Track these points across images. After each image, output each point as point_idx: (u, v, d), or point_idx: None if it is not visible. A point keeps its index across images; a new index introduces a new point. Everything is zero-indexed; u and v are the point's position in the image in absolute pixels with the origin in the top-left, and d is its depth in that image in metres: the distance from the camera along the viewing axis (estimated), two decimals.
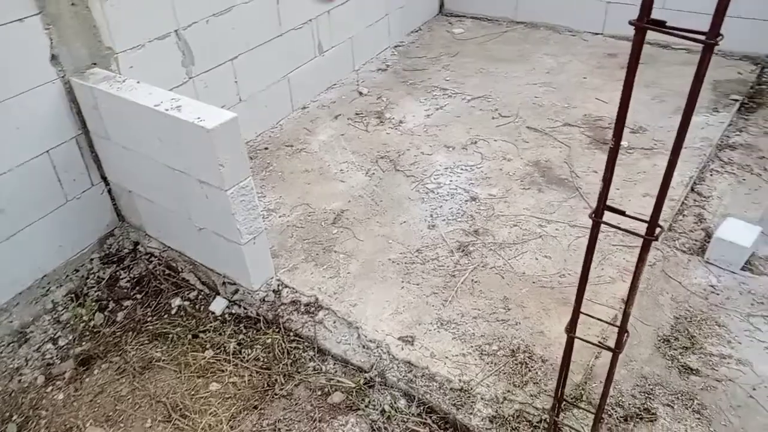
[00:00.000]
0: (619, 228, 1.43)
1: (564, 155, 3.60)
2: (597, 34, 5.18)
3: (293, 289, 2.75)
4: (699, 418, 2.10)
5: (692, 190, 3.29)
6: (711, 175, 3.40)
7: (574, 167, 3.48)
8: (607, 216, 1.37)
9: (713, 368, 2.28)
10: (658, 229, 1.29)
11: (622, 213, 1.33)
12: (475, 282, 2.74)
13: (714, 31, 0.99)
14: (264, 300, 2.71)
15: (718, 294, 2.60)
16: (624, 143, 3.63)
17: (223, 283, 2.80)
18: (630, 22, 1.09)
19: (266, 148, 3.86)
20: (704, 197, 3.23)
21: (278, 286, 2.75)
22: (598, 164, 3.49)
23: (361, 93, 4.45)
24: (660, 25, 1.06)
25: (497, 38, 5.27)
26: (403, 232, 3.08)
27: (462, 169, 3.53)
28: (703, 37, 1.01)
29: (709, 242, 2.80)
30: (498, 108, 4.16)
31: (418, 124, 4.02)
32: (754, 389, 2.19)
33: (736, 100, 4.08)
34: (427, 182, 3.44)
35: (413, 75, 4.70)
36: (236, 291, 2.77)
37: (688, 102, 1.08)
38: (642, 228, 1.31)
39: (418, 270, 2.82)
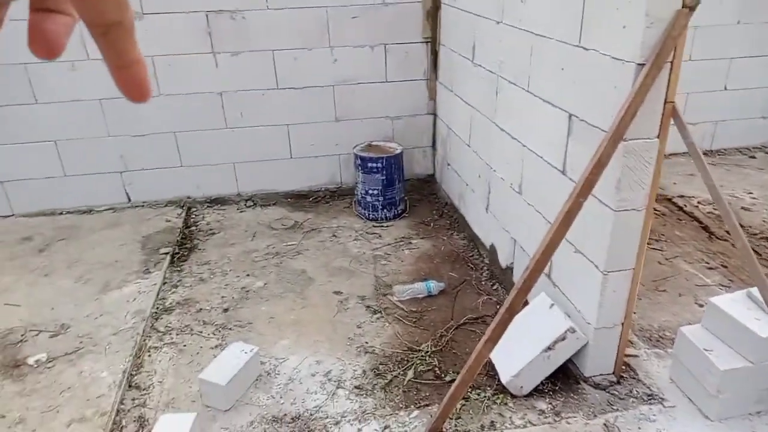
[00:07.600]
0: None
1: None
2: (6, 216, 4.39)
3: None
4: None
5: (130, 386, 2.77)
6: (150, 356, 2.95)
7: None
8: None
9: None
10: None
11: None
12: None
13: None
14: None
15: None
16: (41, 356, 2.96)
17: None
18: None
19: None
20: (144, 390, 2.76)
21: None
22: (4, 402, 2.67)
23: None
24: None
25: None
26: None
27: None
28: None
29: None
30: None
31: None
32: None
33: (167, 253, 3.81)
34: None
35: None
36: None
37: None
38: None
39: None
